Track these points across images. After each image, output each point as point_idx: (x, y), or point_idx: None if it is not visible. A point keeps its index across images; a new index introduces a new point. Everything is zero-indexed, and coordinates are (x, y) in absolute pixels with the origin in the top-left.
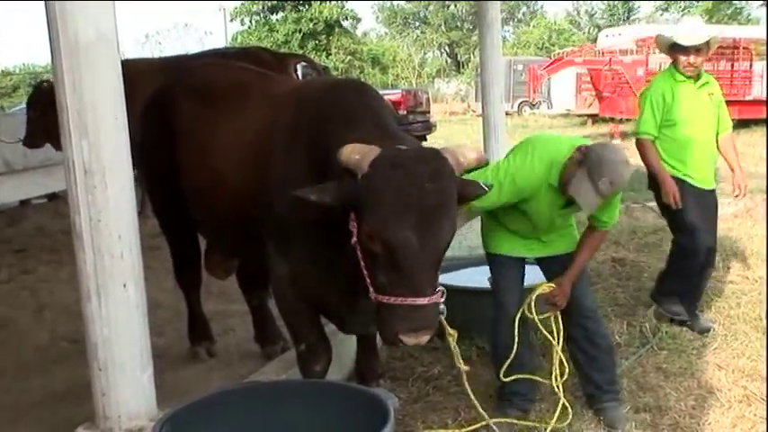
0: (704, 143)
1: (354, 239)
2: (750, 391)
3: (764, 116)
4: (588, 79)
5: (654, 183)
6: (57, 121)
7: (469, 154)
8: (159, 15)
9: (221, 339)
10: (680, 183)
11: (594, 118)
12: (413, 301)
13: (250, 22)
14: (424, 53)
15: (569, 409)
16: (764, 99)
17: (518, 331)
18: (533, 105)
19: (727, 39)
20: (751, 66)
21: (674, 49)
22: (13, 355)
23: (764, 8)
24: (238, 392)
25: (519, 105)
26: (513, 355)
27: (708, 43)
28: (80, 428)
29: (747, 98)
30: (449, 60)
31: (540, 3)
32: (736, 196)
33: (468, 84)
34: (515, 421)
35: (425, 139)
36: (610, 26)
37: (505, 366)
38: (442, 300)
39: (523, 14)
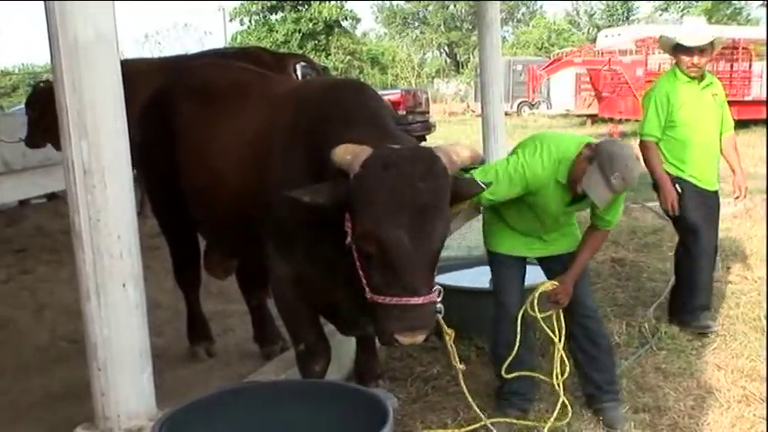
0: (708, 144)
1: (349, 240)
2: (749, 392)
3: (763, 116)
4: (587, 79)
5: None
6: (56, 121)
7: (463, 152)
8: (159, 15)
9: (220, 339)
10: (684, 184)
11: (594, 118)
12: (407, 301)
13: (249, 22)
14: (424, 53)
15: (569, 408)
16: (763, 99)
17: (519, 330)
18: (533, 105)
19: (727, 39)
20: (750, 66)
21: (677, 49)
22: (12, 355)
23: (763, 8)
24: (237, 392)
25: (518, 105)
26: (513, 355)
27: (712, 44)
28: (79, 428)
29: (746, 98)
30: (448, 60)
31: (539, 3)
32: (737, 198)
33: (468, 84)
34: (514, 421)
35: (425, 140)
36: (609, 26)
37: (506, 365)
38: (439, 299)
39: (523, 15)
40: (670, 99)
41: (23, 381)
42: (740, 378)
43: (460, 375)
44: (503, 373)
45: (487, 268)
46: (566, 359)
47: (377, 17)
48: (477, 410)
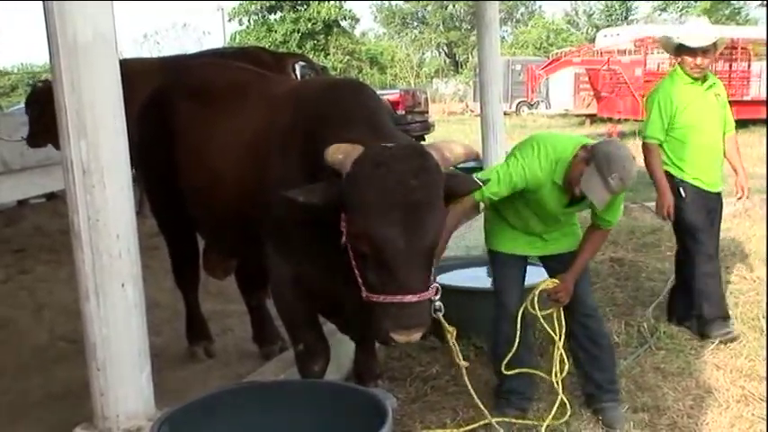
0: (712, 145)
1: (344, 239)
2: (748, 391)
3: (762, 116)
4: (586, 79)
5: None
6: (55, 121)
7: (456, 149)
8: (158, 15)
9: (219, 339)
10: (687, 187)
11: (593, 118)
12: (401, 299)
13: (248, 21)
14: (423, 53)
15: (568, 407)
16: (762, 99)
17: (519, 329)
18: (532, 105)
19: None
20: (749, 66)
21: (680, 50)
22: (11, 355)
23: (762, 8)
24: (236, 392)
25: (517, 105)
26: (512, 353)
27: (715, 44)
28: (78, 428)
29: (745, 98)
30: (447, 60)
31: (538, 3)
32: (739, 198)
33: (467, 84)
34: (514, 420)
35: (424, 139)
36: (608, 26)
37: (505, 363)
38: (437, 297)
39: (522, 14)
40: (673, 101)
41: (22, 381)
42: (739, 378)
43: (464, 372)
44: (503, 370)
45: (486, 268)
46: (565, 358)
47: (376, 17)
48: (482, 407)
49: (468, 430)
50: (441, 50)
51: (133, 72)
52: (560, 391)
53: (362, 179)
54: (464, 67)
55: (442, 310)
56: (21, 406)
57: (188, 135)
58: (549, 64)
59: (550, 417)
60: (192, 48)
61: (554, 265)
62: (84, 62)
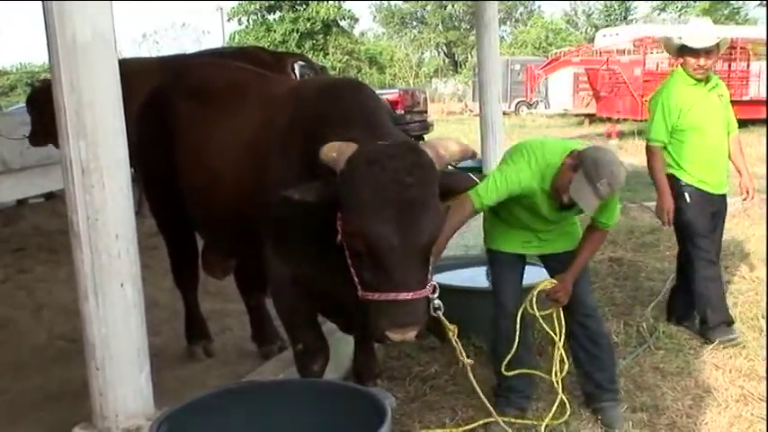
0: (717, 146)
1: (340, 238)
2: (747, 391)
3: (761, 116)
4: (585, 79)
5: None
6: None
7: (452, 146)
8: (157, 15)
9: (218, 339)
10: (691, 191)
11: (592, 118)
12: (396, 297)
13: (247, 21)
14: (422, 53)
15: (567, 406)
16: (761, 99)
17: (518, 329)
18: (531, 105)
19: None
20: (748, 66)
21: (683, 51)
22: (10, 355)
23: (761, 8)
24: (235, 392)
25: (516, 105)
26: (512, 353)
27: (717, 45)
28: (77, 428)
29: (744, 98)
30: (446, 60)
31: (537, 2)
32: (744, 199)
33: (466, 83)
34: (513, 420)
35: (423, 139)
36: (607, 26)
37: (505, 362)
38: (435, 296)
39: (521, 14)
40: (677, 103)
41: (22, 380)
42: (738, 377)
43: (469, 370)
44: (503, 370)
45: (485, 268)
46: (565, 358)
47: (375, 17)
48: (489, 406)
49: (467, 430)
50: (440, 50)
51: (132, 72)
52: (560, 390)
53: (356, 177)
54: (463, 66)
55: (442, 309)
56: (20, 405)
57: (187, 135)
58: (549, 64)
59: (550, 416)
60: (191, 47)
61: (553, 264)
62: (84, 62)
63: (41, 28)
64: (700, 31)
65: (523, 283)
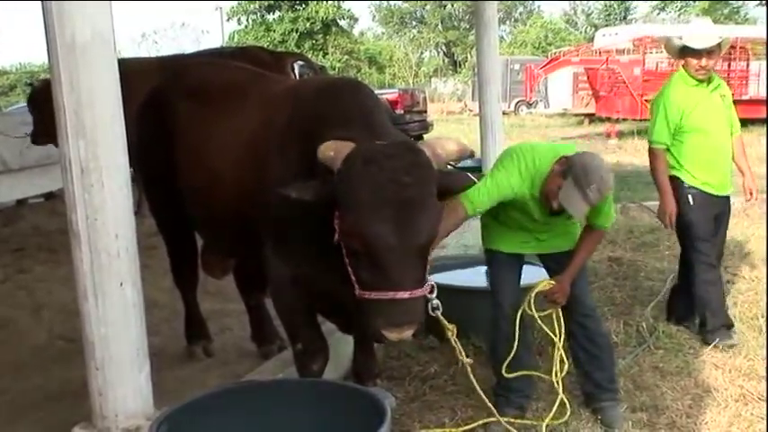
0: (720, 147)
1: (337, 237)
2: (747, 391)
3: (761, 116)
4: (585, 79)
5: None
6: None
7: (449, 146)
8: (156, 15)
9: (218, 338)
10: (695, 193)
11: (591, 117)
12: (392, 296)
13: (247, 21)
14: (421, 52)
15: (567, 406)
16: (761, 98)
17: (518, 329)
18: (530, 105)
19: None
20: (748, 65)
21: (684, 52)
22: (10, 355)
23: (761, 7)
24: (235, 391)
25: (516, 105)
26: (512, 354)
27: (719, 45)
28: (77, 428)
29: (744, 98)
30: (446, 60)
31: (536, 2)
32: (748, 200)
33: (465, 83)
34: (513, 420)
35: (422, 139)
36: (607, 26)
37: (505, 364)
38: (434, 295)
39: (520, 14)
40: (679, 104)
41: (21, 380)
42: (738, 377)
43: (469, 369)
44: (503, 371)
45: (484, 267)
46: (565, 358)
47: (374, 16)
48: (491, 406)
49: (467, 430)
50: (439, 50)
51: (132, 71)
52: (560, 390)
53: (353, 176)
54: (463, 66)
55: (440, 308)
56: (20, 405)
57: (187, 135)
58: (548, 63)
59: (550, 416)
60: (190, 47)
61: (551, 264)
62: (83, 62)
63: (41, 28)
64: (701, 32)
65: (522, 282)
